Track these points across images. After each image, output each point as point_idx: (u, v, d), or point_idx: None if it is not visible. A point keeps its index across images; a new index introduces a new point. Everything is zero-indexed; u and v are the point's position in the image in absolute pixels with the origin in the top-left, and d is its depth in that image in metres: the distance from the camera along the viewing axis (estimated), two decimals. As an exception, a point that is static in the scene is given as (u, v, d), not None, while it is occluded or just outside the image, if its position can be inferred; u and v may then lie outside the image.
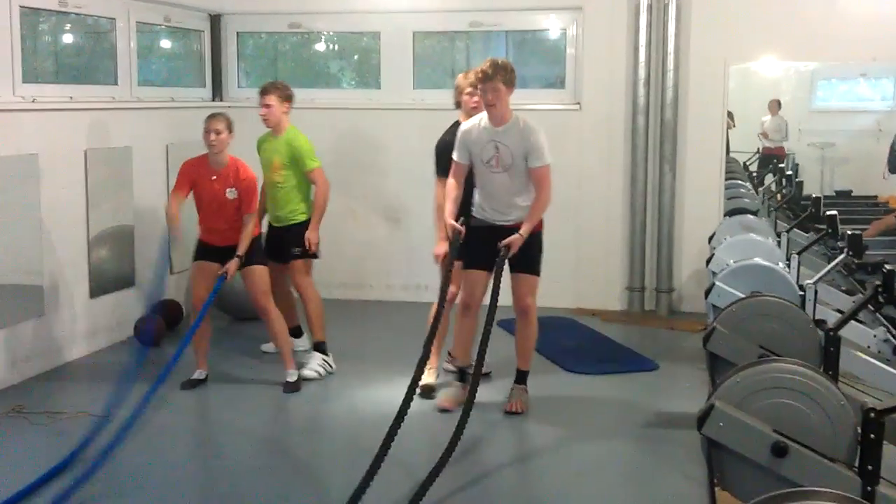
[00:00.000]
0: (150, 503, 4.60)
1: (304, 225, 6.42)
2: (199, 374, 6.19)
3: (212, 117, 6.13)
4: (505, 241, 5.41)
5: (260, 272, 6.11)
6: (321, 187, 6.48)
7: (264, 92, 6.46)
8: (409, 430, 4.69)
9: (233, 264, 5.99)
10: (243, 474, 4.92)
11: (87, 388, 6.22)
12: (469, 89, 5.89)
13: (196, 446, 5.57)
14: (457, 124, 5.89)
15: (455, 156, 5.60)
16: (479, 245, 5.60)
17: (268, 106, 6.40)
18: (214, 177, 6.08)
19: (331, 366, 6.45)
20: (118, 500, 4.61)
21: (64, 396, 6.02)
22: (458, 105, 6.08)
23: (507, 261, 5.51)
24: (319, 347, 6.47)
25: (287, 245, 6.45)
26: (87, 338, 6.63)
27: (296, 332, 6.77)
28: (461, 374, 5.86)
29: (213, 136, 6.04)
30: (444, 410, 5.69)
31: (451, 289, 5.62)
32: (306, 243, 6.38)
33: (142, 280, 7.47)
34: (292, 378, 6.14)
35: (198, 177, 6.11)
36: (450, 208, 5.54)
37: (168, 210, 6.10)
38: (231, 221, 6.06)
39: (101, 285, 6.97)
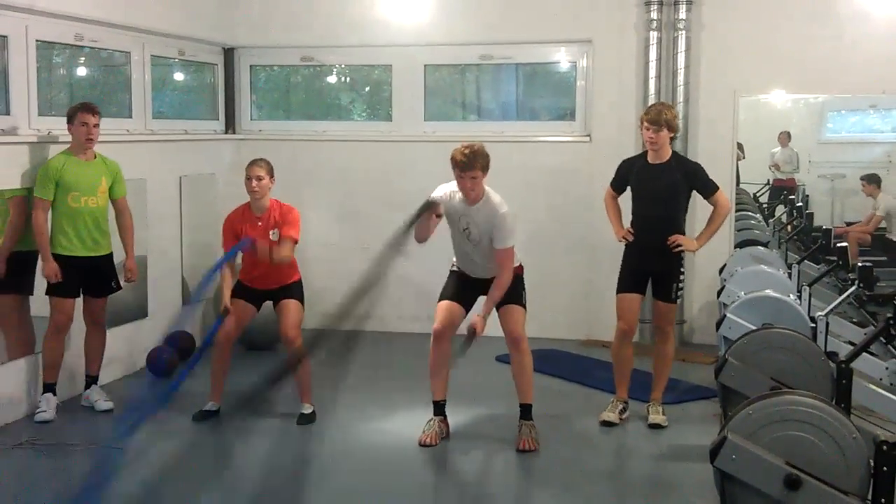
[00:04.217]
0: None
1: (112, 256, 6.35)
2: (211, 406, 6.19)
3: (253, 164, 6.13)
4: (471, 323, 5.54)
5: (295, 307, 6.13)
6: (130, 215, 6.40)
7: (95, 111, 6.12)
8: (391, 467, 4.70)
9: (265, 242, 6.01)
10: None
11: (100, 419, 6.23)
12: (646, 124, 6.01)
13: (209, 478, 5.57)
14: (644, 154, 6.18)
15: (433, 197, 5.70)
16: (459, 281, 5.85)
17: (97, 126, 6.14)
18: (259, 222, 6.12)
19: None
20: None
21: (77, 428, 6.03)
22: None
23: None
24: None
25: (108, 277, 6.32)
26: (101, 368, 6.61)
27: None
28: (439, 409, 5.86)
29: (254, 183, 6.06)
30: (425, 445, 5.70)
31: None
32: (128, 274, 6.34)
33: (155, 311, 7.51)
34: (307, 410, 6.15)
35: (241, 225, 6.14)
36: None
37: (222, 281, 6.11)
38: (276, 265, 6.08)
39: (114, 316, 6.98)
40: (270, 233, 6.10)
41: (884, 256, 9.29)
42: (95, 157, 6.22)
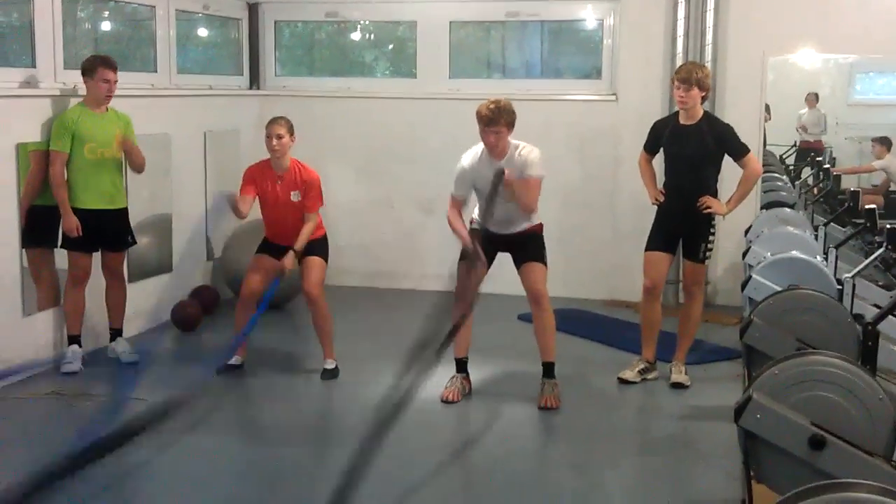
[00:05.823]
0: (189, 489, 4.64)
1: (126, 211, 6.39)
2: (235, 360, 6.23)
3: (273, 122, 6.09)
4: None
5: (318, 264, 6.13)
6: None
7: (115, 67, 6.10)
8: (413, 423, 4.75)
9: (289, 258, 5.99)
10: (283, 460, 4.95)
11: (125, 372, 6.28)
12: (676, 82, 5.96)
13: (231, 433, 5.61)
14: (675, 115, 6.13)
15: (455, 192, 5.74)
16: (479, 239, 5.79)
17: (116, 82, 6.12)
18: (279, 181, 6.11)
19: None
20: (157, 484, 4.67)
21: (102, 380, 6.09)
22: None
23: (512, 256, 5.77)
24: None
25: (123, 232, 6.36)
26: (126, 322, 6.66)
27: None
28: (461, 366, 5.90)
29: (275, 142, 6.03)
30: (447, 402, 5.73)
31: None
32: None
33: (179, 265, 7.55)
34: (330, 366, 6.18)
35: (262, 181, 6.13)
36: (462, 233, 5.67)
37: (238, 205, 6.09)
38: (296, 223, 6.08)
39: (139, 270, 7.03)
40: (292, 193, 6.09)
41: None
42: (107, 110, 6.22)
